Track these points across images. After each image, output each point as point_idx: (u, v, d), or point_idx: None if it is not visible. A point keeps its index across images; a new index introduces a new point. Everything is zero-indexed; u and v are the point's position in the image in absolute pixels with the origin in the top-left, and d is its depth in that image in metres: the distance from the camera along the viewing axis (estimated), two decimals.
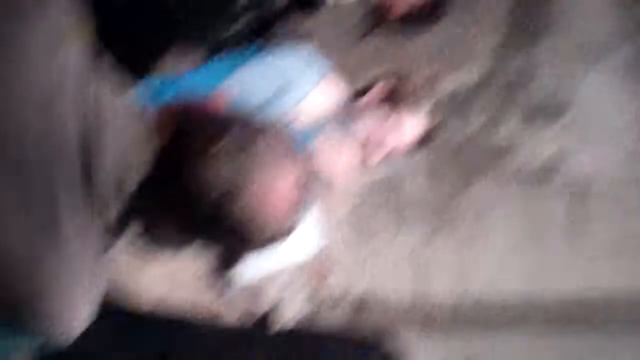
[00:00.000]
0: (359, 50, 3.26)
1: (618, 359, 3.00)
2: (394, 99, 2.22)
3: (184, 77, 2.30)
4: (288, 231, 1.15)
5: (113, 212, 1.08)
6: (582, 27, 3.33)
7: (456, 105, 3.31)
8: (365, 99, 2.26)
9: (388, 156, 2.26)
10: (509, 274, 3.02)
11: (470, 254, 3.09)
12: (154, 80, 2.30)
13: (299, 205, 1.14)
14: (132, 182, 1.08)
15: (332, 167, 2.08)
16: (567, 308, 3.05)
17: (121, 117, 1.10)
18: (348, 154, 2.15)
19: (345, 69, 2.89)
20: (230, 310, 3.07)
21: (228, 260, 2.81)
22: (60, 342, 1.09)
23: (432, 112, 2.24)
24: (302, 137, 2.04)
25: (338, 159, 2.10)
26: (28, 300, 1.03)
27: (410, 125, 2.23)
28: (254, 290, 3.06)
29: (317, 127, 2.12)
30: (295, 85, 2.22)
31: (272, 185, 1.10)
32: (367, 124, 2.22)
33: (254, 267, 2.51)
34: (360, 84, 2.32)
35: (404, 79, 2.27)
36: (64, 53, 1.08)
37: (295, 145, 1.18)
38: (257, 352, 2.45)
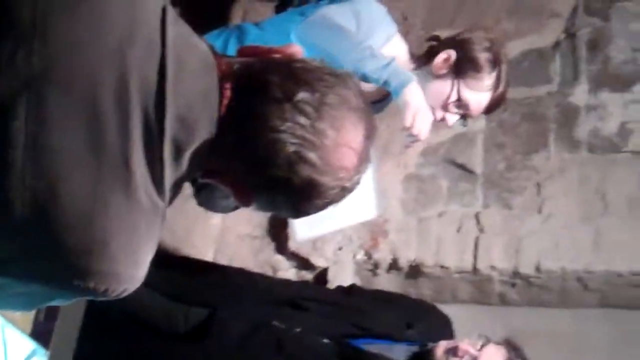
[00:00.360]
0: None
1: None
2: (459, 66, 2.15)
3: (258, 26, 2.26)
4: (352, 188, 1.12)
5: (173, 169, 1.05)
6: None
7: (525, 69, 3.23)
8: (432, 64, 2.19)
9: (447, 124, 2.21)
10: (564, 250, 2.93)
11: (523, 227, 3.02)
12: (224, 31, 2.27)
13: (367, 159, 1.12)
14: (193, 139, 1.05)
15: (421, 120, 1.99)
16: (622, 290, 2.93)
17: (197, 64, 1.07)
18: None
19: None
20: (285, 268, 3.10)
21: (285, 220, 2.82)
22: (115, 297, 1.07)
23: (499, 77, 2.17)
24: (395, 85, 1.99)
25: (427, 112, 2.02)
26: (89, 251, 1.00)
27: (473, 97, 2.16)
28: (311, 249, 3.07)
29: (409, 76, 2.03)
30: (374, 34, 2.15)
31: (346, 139, 1.08)
32: (432, 91, 2.15)
33: (312, 227, 2.50)
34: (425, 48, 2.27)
35: (470, 44, 2.20)
36: (142, 3, 1.06)
37: (366, 95, 1.14)
38: (312, 307, 2.46)
